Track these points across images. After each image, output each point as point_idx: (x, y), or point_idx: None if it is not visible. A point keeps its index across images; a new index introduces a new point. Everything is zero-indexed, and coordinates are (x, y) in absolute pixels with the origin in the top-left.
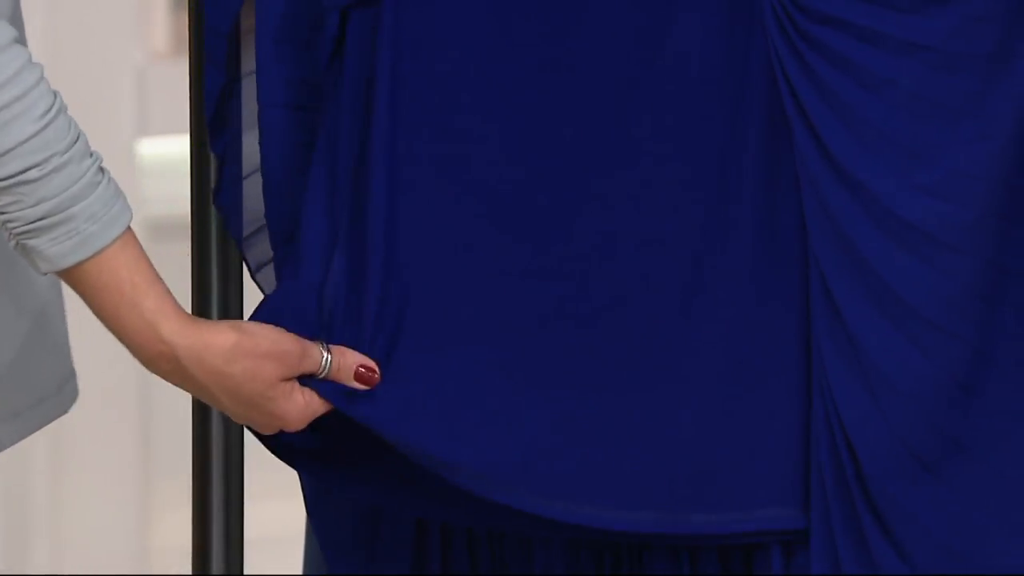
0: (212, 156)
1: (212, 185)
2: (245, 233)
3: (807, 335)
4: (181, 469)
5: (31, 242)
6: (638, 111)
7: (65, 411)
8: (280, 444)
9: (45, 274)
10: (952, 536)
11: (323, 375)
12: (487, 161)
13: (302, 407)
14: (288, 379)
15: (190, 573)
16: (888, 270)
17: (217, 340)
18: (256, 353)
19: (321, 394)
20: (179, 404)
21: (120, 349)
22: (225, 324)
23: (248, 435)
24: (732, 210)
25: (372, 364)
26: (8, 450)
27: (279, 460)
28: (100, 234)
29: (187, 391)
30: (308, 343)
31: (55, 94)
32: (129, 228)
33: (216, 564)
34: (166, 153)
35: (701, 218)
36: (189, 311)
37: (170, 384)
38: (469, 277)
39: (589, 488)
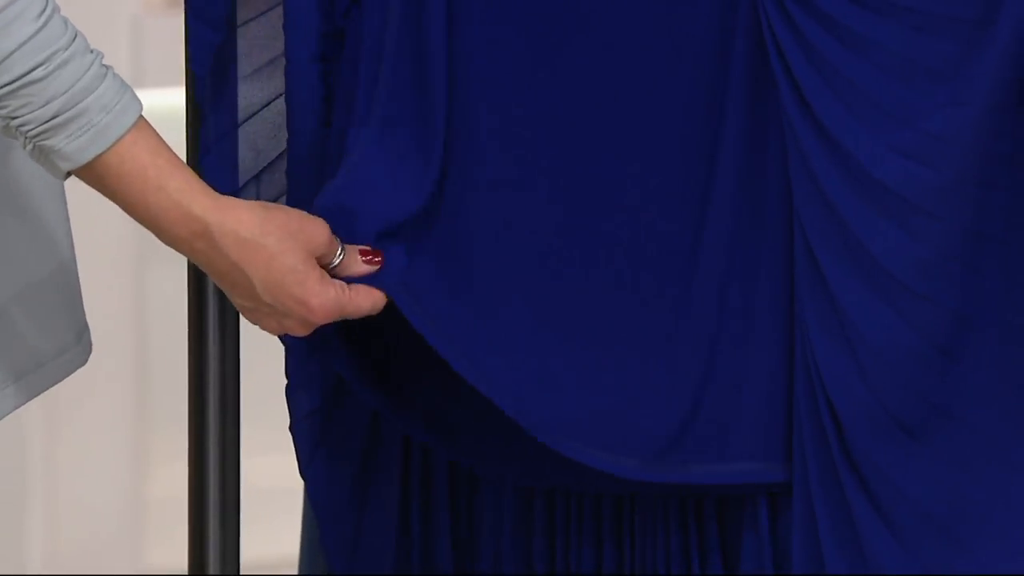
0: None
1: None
2: (230, 191)
3: (791, 292)
4: (178, 421)
5: (48, 142)
6: (622, 67)
7: (84, 362)
8: (315, 337)
9: (67, 176)
10: (931, 498)
11: (335, 265)
12: (511, 110)
13: (334, 297)
14: (317, 259)
15: (186, 524)
16: (866, 233)
17: (248, 214)
18: (289, 226)
19: (377, 284)
20: (176, 356)
21: (117, 302)
22: (254, 202)
23: (244, 388)
24: (716, 170)
25: (369, 248)
26: None
27: (273, 412)
28: (115, 123)
29: (216, 274)
30: (328, 228)
31: None
32: (143, 117)
33: (212, 515)
34: (161, 105)
35: (684, 175)
36: (184, 260)
37: (169, 334)
38: (502, 224)
39: (575, 428)
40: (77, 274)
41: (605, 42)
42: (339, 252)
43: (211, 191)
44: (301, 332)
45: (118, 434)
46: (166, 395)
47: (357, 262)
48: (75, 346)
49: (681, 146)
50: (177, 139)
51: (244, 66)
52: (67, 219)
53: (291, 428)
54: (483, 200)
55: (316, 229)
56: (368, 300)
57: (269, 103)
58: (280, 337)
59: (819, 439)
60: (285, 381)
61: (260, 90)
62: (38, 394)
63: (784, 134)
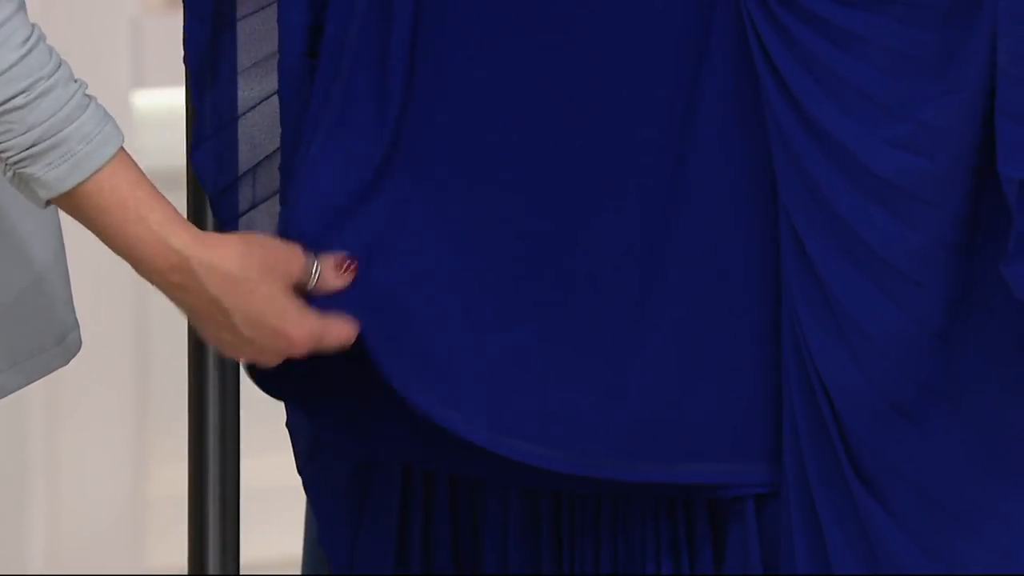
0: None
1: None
2: (223, 185)
3: (777, 286)
4: (177, 421)
5: (27, 170)
6: (597, 62)
7: (65, 363)
8: (274, 375)
9: (47, 205)
10: (931, 483)
11: (313, 284)
12: (475, 109)
13: (313, 327)
14: (294, 287)
15: (186, 524)
16: (860, 223)
17: (228, 249)
18: (268, 260)
19: (348, 307)
20: (175, 356)
21: (117, 302)
22: (231, 235)
23: (244, 387)
24: (696, 165)
25: (342, 256)
26: (4, 401)
27: (272, 412)
28: (95, 153)
29: (190, 309)
30: (303, 251)
31: (33, 26)
32: (123, 149)
33: (212, 515)
34: (161, 104)
35: (662, 171)
36: None
37: (167, 333)
38: (453, 224)
39: (555, 433)
40: (66, 275)
41: (578, 39)
42: (314, 270)
43: (191, 226)
44: (276, 362)
45: (118, 434)
46: (166, 395)
47: (333, 276)
48: (54, 347)
49: (655, 142)
50: (176, 139)
51: (242, 60)
52: (55, 222)
53: (288, 425)
54: (449, 198)
55: (292, 257)
56: (343, 332)
57: (267, 97)
58: None
59: (818, 436)
60: None
61: (258, 84)
62: (12, 392)
63: (767, 131)
